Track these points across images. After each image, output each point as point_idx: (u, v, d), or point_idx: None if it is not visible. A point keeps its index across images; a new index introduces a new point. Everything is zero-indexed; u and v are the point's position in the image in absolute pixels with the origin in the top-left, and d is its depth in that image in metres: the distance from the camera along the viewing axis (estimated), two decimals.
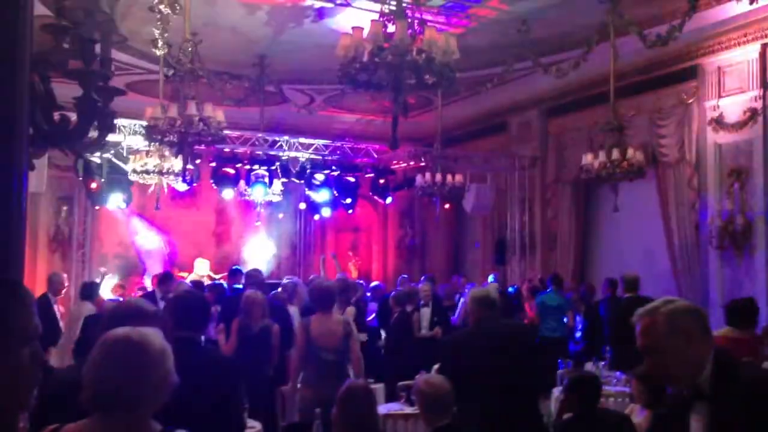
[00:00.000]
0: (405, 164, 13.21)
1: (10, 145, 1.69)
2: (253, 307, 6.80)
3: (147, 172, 10.08)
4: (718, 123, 9.35)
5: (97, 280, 10.58)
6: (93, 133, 2.32)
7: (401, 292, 9.80)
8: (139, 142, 10.16)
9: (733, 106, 9.22)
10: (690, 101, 9.85)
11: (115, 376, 1.91)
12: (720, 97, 9.42)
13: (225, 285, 9.85)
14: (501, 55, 9.71)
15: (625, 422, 4.66)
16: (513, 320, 4.87)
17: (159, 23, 7.65)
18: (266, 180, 12.17)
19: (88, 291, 9.19)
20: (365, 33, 5.05)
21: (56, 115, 2.15)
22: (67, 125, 2.10)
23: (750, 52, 9.04)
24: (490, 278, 11.82)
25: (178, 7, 7.60)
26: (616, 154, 8.15)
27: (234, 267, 11.01)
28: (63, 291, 9.38)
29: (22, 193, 1.72)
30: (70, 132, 2.08)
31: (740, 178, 9.16)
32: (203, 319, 3.67)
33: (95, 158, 10.32)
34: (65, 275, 9.96)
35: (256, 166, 12.03)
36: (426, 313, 9.66)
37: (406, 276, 12.43)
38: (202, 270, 12.81)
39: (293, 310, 8.52)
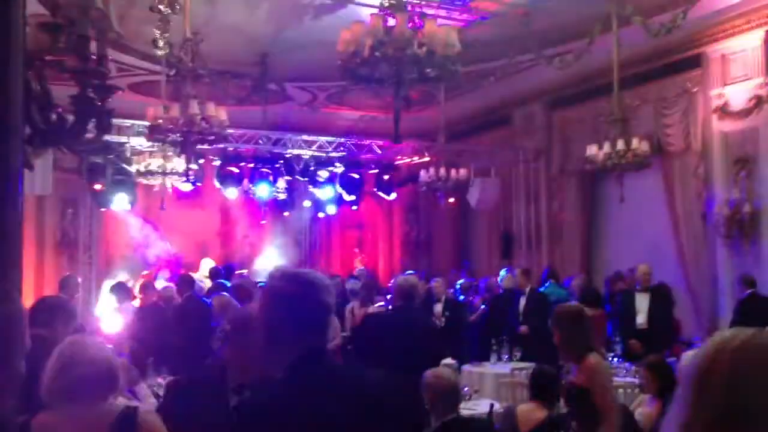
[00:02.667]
0: (409, 159, 13.18)
1: (5, 144, 1.67)
2: None
3: (151, 172, 10.10)
4: (724, 111, 9.28)
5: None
6: (92, 133, 2.31)
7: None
8: (143, 143, 10.15)
9: (738, 93, 9.15)
10: (695, 90, 9.79)
11: (56, 374, 2.47)
12: (725, 84, 9.36)
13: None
14: (503, 47, 9.67)
15: None
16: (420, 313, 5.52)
17: (159, 23, 7.64)
18: (270, 178, 12.16)
19: (126, 291, 9.29)
20: (366, 27, 5.03)
21: (53, 115, 2.13)
22: (64, 124, 2.09)
23: (754, 38, 8.98)
24: (503, 272, 11.75)
25: (178, 7, 7.59)
26: (621, 144, 8.11)
27: (228, 264, 11.00)
28: (77, 295, 9.38)
29: (18, 193, 1.69)
30: (67, 131, 2.06)
31: (747, 166, 9.10)
32: (57, 317, 3.93)
33: (99, 159, 10.32)
34: (79, 279, 9.96)
35: (259, 165, 12.02)
36: (438, 308, 9.74)
37: (412, 272, 12.40)
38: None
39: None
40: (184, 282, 8.94)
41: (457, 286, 10.88)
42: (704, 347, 1.11)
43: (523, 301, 9.36)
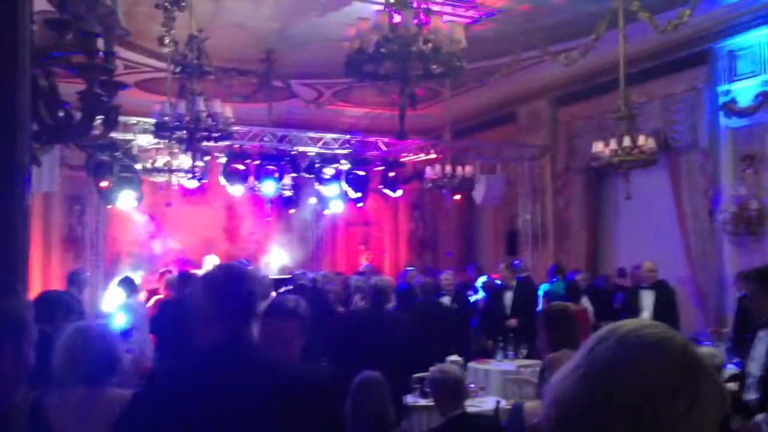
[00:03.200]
0: (414, 157, 13.17)
1: (14, 141, 1.68)
2: None
3: (157, 169, 10.12)
4: (731, 108, 9.25)
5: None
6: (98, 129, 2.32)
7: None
8: (149, 140, 10.17)
9: (745, 90, 9.12)
10: (701, 86, 9.76)
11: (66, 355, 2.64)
12: (732, 81, 9.33)
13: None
14: (509, 44, 9.65)
15: None
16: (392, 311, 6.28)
17: (165, 20, 7.65)
18: (276, 175, 12.17)
19: (133, 285, 9.29)
20: (371, 24, 5.02)
21: (61, 111, 2.14)
22: (71, 120, 2.09)
23: (761, 35, 8.94)
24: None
25: (183, 4, 7.59)
26: (627, 141, 8.07)
27: (240, 262, 10.99)
28: (85, 290, 9.38)
29: (25, 189, 1.70)
30: (74, 127, 2.07)
31: (754, 163, 9.07)
32: (57, 311, 3.98)
33: (105, 157, 10.33)
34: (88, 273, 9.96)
35: (265, 162, 12.02)
36: (446, 302, 9.76)
37: (412, 268, 12.40)
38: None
39: None
40: (182, 280, 8.90)
41: (479, 284, 10.84)
42: (602, 329, 1.15)
43: (510, 295, 9.47)
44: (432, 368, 4.77)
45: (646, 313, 8.38)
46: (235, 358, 2.18)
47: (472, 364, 8.11)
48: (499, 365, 8.11)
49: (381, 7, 5.22)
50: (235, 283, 2.28)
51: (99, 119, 2.20)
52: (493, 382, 7.76)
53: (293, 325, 2.76)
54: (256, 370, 2.20)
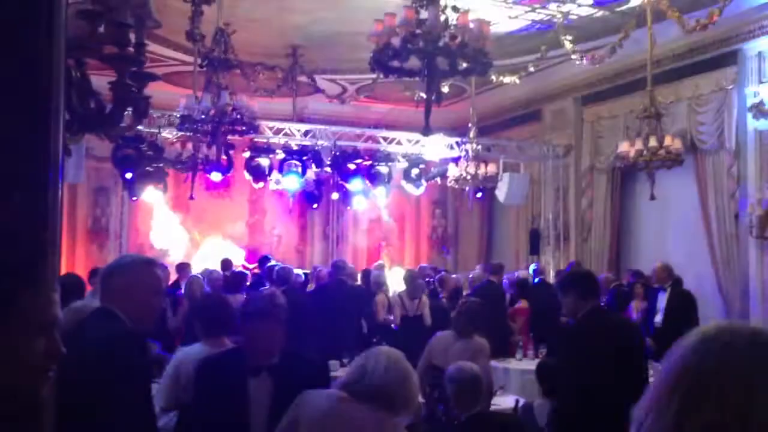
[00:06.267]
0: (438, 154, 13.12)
1: (46, 129, 1.69)
2: None
3: (181, 162, 10.19)
4: (759, 109, 9.12)
5: None
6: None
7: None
8: (174, 133, 10.24)
9: None
10: (729, 87, 9.63)
11: None
12: (761, 82, 9.20)
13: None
14: (535, 42, 9.60)
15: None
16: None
17: (192, 13, 7.69)
18: (299, 170, 12.19)
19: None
20: (398, 19, 5.01)
21: (92, 101, 2.16)
22: (102, 110, 2.11)
23: None
24: (533, 267, 11.65)
25: None
26: (653, 141, 8.00)
27: (264, 255, 11.05)
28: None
29: (58, 179, 1.72)
30: (105, 117, 2.09)
31: None
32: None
33: (131, 149, 10.41)
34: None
35: (288, 157, 12.05)
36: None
37: (425, 265, 12.35)
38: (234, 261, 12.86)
39: None
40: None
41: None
42: (696, 341, 0.91)
43: None
44: (451, 366, 4.76)
45: (659, 315, 8.32)
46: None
47: (492, 363, 8.08)
48: (519, 364, 8.09)
49: (409, 2, 5.21)
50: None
51: (129, 110, 2.22)
52: (512, 381, 7.74)
53: None
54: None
